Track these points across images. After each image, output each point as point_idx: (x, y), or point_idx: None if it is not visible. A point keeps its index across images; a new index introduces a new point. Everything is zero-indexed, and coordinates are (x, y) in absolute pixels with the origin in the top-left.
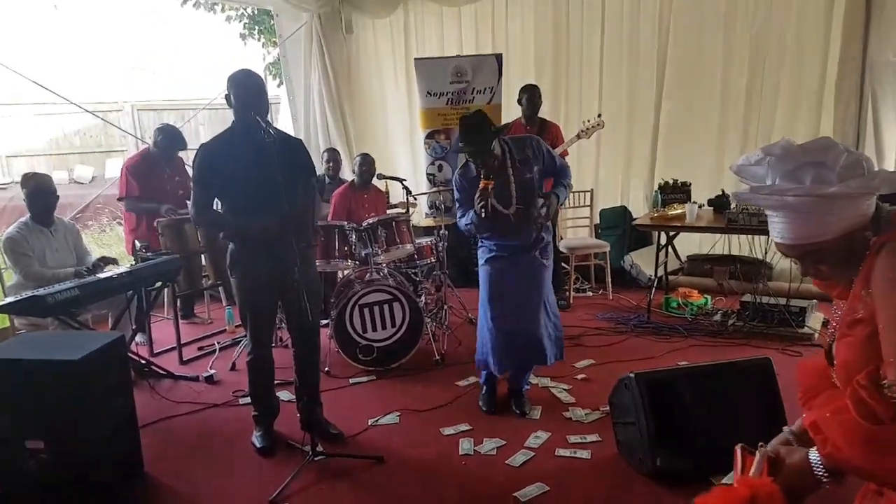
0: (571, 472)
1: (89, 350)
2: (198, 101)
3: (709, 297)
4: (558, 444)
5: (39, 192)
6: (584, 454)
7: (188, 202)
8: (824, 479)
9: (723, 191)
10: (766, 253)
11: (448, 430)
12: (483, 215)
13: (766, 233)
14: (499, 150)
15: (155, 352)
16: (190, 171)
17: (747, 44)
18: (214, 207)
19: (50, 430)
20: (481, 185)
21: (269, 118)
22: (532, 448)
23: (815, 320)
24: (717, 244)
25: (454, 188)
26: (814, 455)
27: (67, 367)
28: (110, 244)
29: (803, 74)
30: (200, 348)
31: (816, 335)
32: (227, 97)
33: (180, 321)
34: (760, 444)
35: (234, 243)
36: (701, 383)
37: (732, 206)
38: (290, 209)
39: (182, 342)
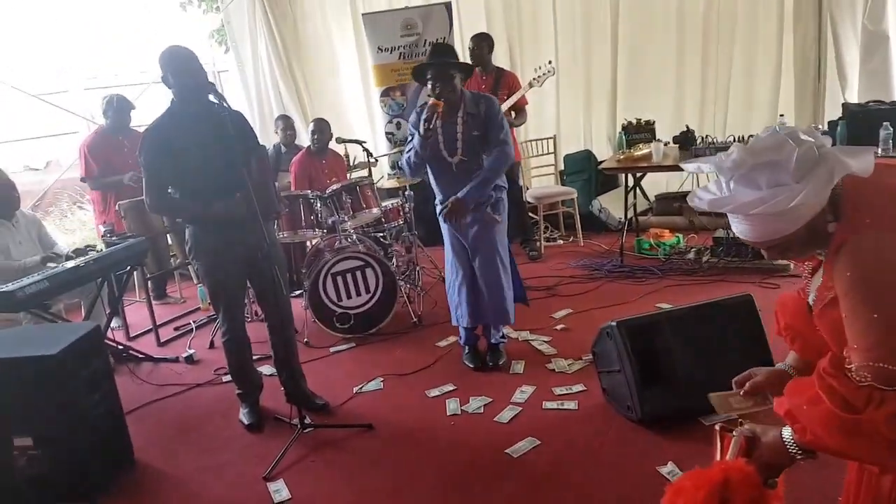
0: (560, 424)
1: (66, 343)
2: (141, 75)
3: (680, 236)
4: (544, 397)
5: None
6: (571, 405)
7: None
8: (798, 456)
9: (687, 126)
10: None
11: (433, 392)
12: (426, 134)
13: None
14: (457, 90)
15: (131, 335)
16: None
17: None
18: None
19: (37, 426)
20: (430, 102)
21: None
22: (518, 403)
23: None
24: (685, 181)
25: (409, 126)
26: (787, 433)
27: (46, 362)
28: (73, 229)
29: (759, 1)
30: (177, 328)
31: (792, 266)
32: (164, 78)
33: (153, 302)
34: (740, 421)
35: (193, 226)
36: (683, 326)
37: (698, 141)
38: (249, 184)
39: (158, 323)
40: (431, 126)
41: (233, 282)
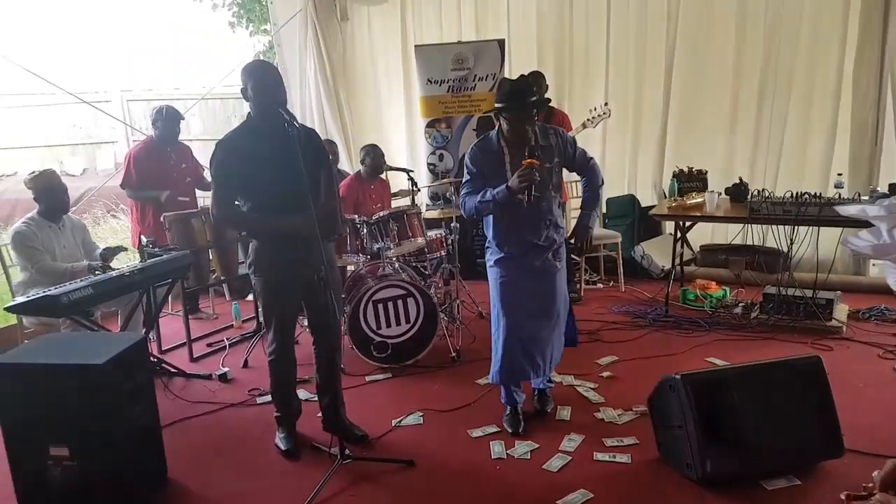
0: (614, 478)
1: (113, 353)
2: (181, 89)
3: (727, 289)
4: (595, 448)
5: (49, 189)
6: (623, 458)
7: (197, 191)
8: None
9: (740, 178)
10: (790, 243)
11: (476, 433)
12: (526, 202)
13: (789, 222)
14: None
15: (164, 348)
16: (198, 159)
17: (760, 29)
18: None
19: (74, 436)
20: (525, 162)
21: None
22: (568, 452)
23: (841, 312)
24: (735, 234)
25: (467, 162)
26: None
27: (91, 371)
28: (105, 237)
29: (818, 61)
30: (209, 345)
31: (844, 328)
32: (244, 90)
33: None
34: (866, 485)
35: (259, 241)
36: (749, 384)
37: (752, 194)
38: (316, 203)
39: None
40: (530, 198)
41: (290, 301)
